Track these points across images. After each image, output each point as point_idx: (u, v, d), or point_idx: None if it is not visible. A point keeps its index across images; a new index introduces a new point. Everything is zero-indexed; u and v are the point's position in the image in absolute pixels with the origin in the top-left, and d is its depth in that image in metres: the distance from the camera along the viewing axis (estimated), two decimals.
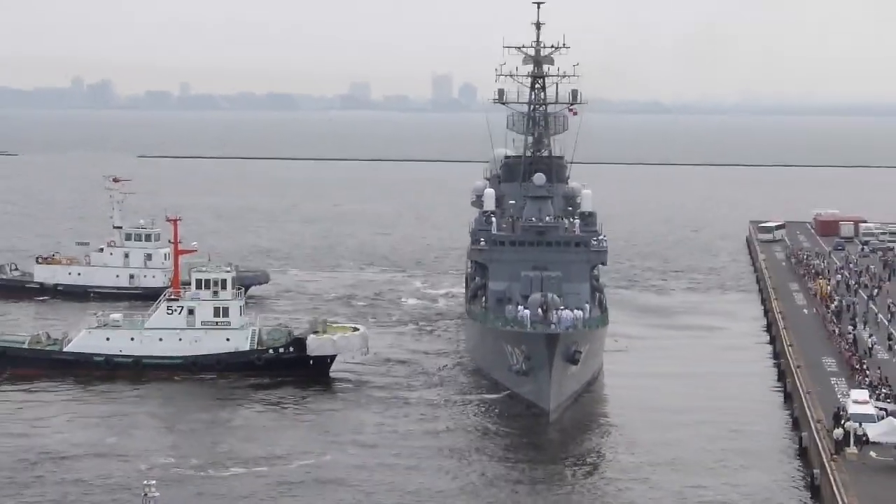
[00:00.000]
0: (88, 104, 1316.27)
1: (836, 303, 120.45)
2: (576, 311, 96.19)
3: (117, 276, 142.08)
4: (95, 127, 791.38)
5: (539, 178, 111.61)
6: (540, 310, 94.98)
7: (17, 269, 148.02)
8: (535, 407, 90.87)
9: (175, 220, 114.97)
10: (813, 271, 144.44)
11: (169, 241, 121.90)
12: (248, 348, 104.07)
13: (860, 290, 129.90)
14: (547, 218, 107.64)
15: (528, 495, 73.90)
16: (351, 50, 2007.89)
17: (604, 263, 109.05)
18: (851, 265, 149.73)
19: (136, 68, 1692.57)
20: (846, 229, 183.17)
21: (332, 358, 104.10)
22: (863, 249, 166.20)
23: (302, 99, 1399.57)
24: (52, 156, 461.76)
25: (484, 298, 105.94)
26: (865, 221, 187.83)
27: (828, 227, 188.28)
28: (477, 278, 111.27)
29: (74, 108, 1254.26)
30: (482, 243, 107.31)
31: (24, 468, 78.17)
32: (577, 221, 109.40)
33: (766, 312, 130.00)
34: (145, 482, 51.24)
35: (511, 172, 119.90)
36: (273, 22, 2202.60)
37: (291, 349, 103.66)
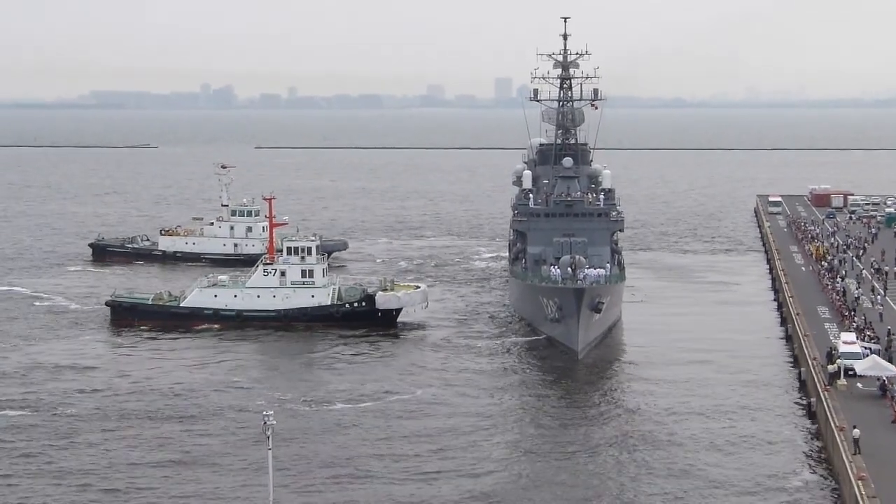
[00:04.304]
0: (213, 105, 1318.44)
1: (828, 261, 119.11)
2: (598, 269, 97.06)
3: (224, 245, 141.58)
4: (220, 124, 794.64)
5: (567, 161, 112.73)
6: (569, 269, 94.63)
7: (147, 239, 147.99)
8: (567, 347, 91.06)
9: (270, 199, 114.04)
10: (809, 236, 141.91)
11: (266, 216, 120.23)
12: (328, 303, 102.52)
13: (848, 251, 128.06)
14: (574, 194, 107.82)
15: (561, 410, 75.76)
16: (428, 58, 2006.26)
17: (621, 230, 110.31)
18: (841, 230, 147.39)
19: (253, 75, 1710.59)
20: (837, 201, 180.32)
21: (398, 311, 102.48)
22: (850, 217, 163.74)
23: (387, 98, 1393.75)
24: (185, 148, 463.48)
25: (524, 260, 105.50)
26: (853, 194, 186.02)
27: (821, 200, 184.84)
28: (518, 244, 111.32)
29: (202, 109, 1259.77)
30: (522, 215, 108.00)
31: (159, 400, 77.47)
32: (602, 196, 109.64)
33: (771, 270, 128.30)
34: (264, 412, 49.62)
35: (544, 157, 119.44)
36: (364, 36, 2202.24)
37: (364, 304, 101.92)
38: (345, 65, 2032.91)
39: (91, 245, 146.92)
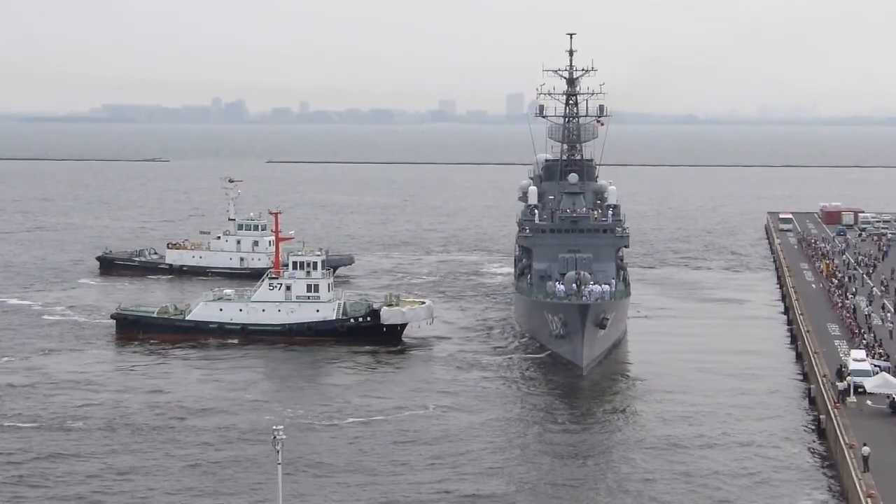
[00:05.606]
0: (225, 119, 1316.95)
1: (838, 279, 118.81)
2: (603, 285, 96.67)
3: (230, 258, 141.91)
4: (231, 138, 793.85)
5: (573, 177, 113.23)
6: (574, 285, 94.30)
7: (155, 253, 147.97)
8: (571, 363, 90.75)
9: (276, 214, 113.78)
10: (819, 253, 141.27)
11: (272, 231, 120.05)
12: (333, 318, 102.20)
13: (858, 268, 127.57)
14: (580, 210, 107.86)
15: (566, 427, 75.41)
16: (440, 73, 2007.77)
17: (626, 246, 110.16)
18: (851, 247, 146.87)
19: (264, 89, 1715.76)
20: (847, 218, 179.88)
21: (403, 326, 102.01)
22: (861, 235, 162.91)
23: (399, 114, 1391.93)
24: (197, 161, 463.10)
25: (529, 276, 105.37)
26: (863, 212, 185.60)
27: (832, 217, 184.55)
28: (523, 259, 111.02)
29: (213, 123, 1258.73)
30: (527, 231, 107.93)
31: (166, 414, 77.07)
32: (610, 213, 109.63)
33: (781, 287, 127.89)
34: (274, 427, 49.29)
35: (550, 173, 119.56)
36: (376, 51, 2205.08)
37: (368, 319, 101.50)
38: (356, 79, 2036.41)
39: (99, 258, 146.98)
